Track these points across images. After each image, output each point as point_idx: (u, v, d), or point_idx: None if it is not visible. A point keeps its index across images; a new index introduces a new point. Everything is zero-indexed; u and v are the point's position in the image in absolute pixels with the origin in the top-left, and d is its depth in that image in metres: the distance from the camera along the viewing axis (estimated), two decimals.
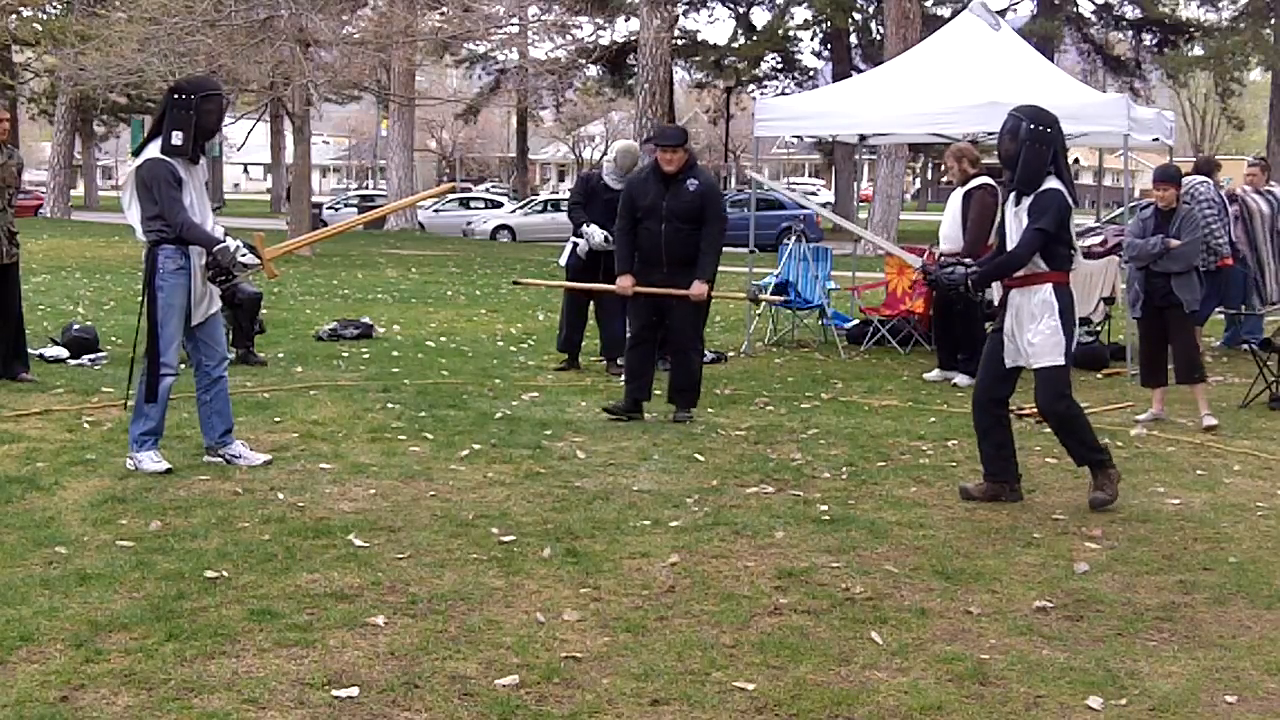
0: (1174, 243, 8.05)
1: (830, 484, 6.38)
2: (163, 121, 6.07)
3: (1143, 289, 8.26)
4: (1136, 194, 43.30)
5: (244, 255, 6.09)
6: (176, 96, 6.07)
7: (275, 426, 7.44)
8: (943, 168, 10.08)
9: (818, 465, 6.78)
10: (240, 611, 4.28)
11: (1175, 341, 8.28)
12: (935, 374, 9.91)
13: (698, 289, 7.89)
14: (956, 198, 9.84)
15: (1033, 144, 5.70)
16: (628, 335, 10.39)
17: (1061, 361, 5.78)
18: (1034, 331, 5.80)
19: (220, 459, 6.35)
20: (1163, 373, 8.33)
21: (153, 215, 6.05)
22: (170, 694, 3.62)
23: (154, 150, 6.06)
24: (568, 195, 13.45)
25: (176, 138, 5.99)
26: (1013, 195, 5.89)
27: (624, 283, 8.06)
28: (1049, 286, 5.80)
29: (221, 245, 6.06)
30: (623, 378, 8.32)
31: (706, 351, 10.83)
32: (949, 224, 9.87)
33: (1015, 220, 5.83)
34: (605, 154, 10.80)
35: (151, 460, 6.20)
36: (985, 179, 10.00)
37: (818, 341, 12.02)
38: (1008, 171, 5.84)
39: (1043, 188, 5.74)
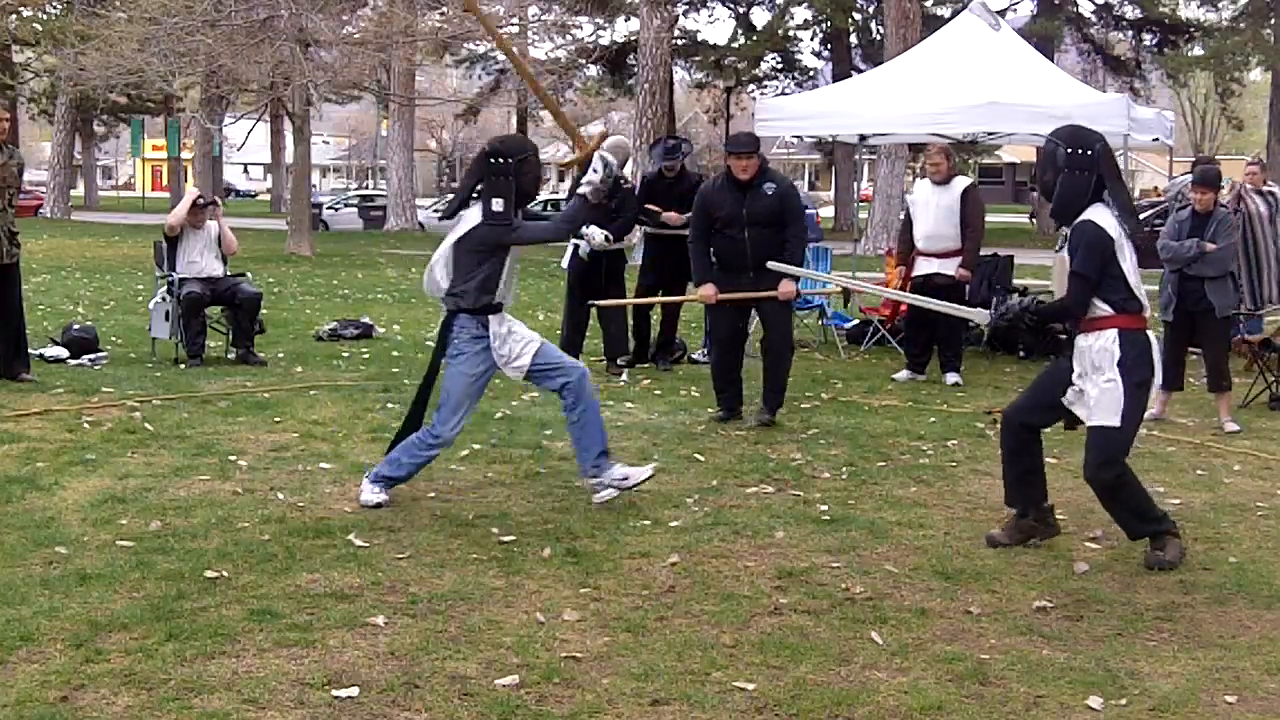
0: (1210, 246, 8.04)
1: (830, 484, 6.38)
2: (479, 184, 5.72)
3: (1175, 292, 8.23)
4: (1136, 194, 43.29)
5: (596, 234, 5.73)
6: (493, 162, 5.66)
7: (275, 426, 7.44)
8: (926, 165, 9.97)
9: (818, 465, 6.78)
10: (240, 611, 4.28)
11: (1208, 349, 8.28)
12: (904, 374, 9.87)
13: (787, 287, 7.79)
14: (940, 195, 9.75)
15: (1071, 171, 4.99)
16: (660, 339, 10.38)
17: (1116, 423, 4.90)
18: (1092, 384, 4.99)
19: (611, 490, 5.77)
20: (1181, 377, 8.34)
21: (465, 281, 5.68)
22: (170, 694, 3.62)
23: (475, 217, 5.69)
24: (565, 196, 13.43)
25: (497, 205, 5.62)
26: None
27: (706, 292, 7.94)
28: (1112, 333, 4.97)
29: (591, 189, 5.87)
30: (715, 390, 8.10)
31: (706, 352, 10.86)
32: (936, 222, 9.74)
33: (1060, 263, 5.27)
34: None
35: (372, 491, 5.76)
36: (969, 178, 10.03)
37: (818, 341, 12.01)
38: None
39: (1080, 219, 5.02)
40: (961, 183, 9.84)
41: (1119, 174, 5.12)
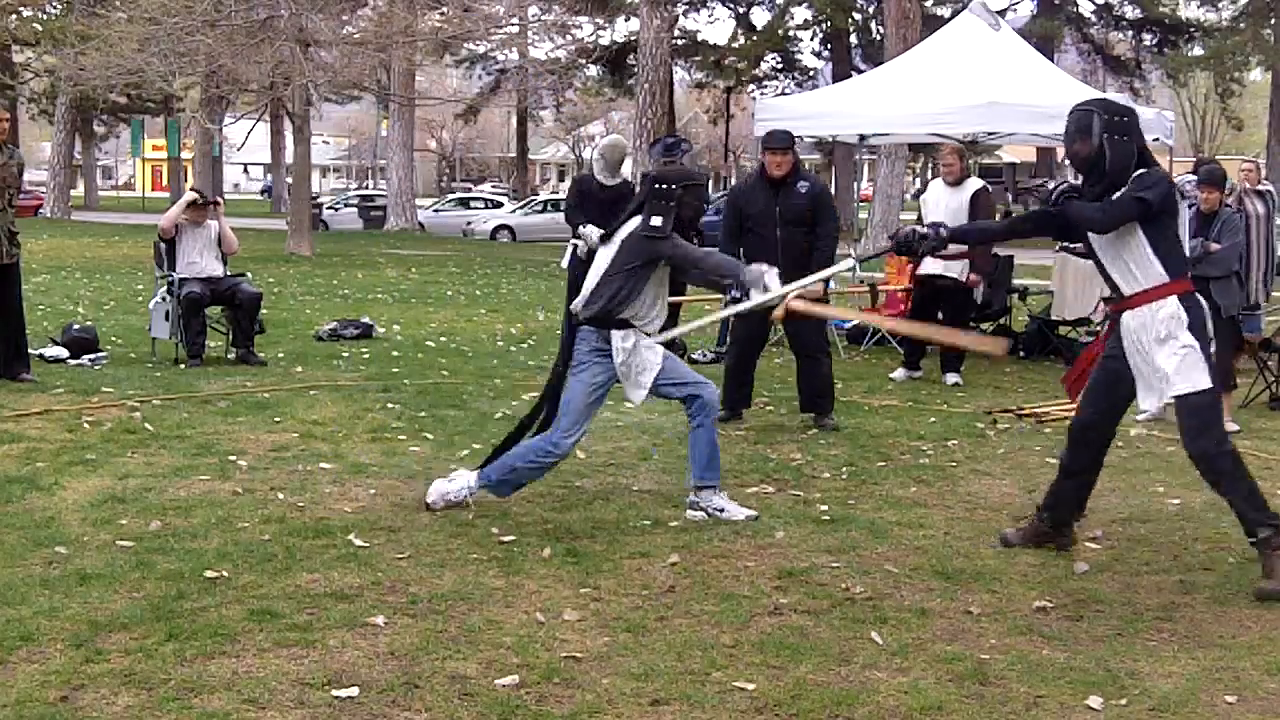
0: (1214, 246, 8.02)
1: (830, 484, 6.38)
2: (643, 204, 5.75)
3: None
4: None
5: (773, 279, 5.63)
6: (658, 188, 5.71)
7: (275, 426, 7.44)
8: (940, 165, 9.94)
9: (818, 465, 6.78)
10: (240, 611, 4.28)
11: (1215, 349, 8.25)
12: (900, 373, 9.87)
13: (814, 286, 7.74)
14: (951, 196, 9.74)
15: (1114, 135, 4.72)
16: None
17: (1206, 384, 4.69)
18: (1165, 355, 4.72)
19: (700, 513, 5.68)
20: None
21: (601, 289, 5.66)
22: (170, 694, 3.62)
23: (630, 229, 5.72)
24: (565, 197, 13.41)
25: (656, 220, 5.64)
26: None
27: None
28: (1173, 299, 4.74)
29: (743, 273, 5.68)
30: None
31: (706, 351, 10.87)
32: (946, 222, 9.73)
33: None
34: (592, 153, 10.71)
35: (444, 495, 5.72)
36: (980, 181, 10.01)
37: None
38: (1089, 177, 4.84)
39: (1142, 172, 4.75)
40: (973, 185, 9.83)
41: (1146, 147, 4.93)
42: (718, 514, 5.66)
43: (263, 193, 51.97)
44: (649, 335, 5.73)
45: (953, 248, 9.53)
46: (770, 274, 5.62)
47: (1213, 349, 4.82)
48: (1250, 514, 4.75)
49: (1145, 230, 4.74)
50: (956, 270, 9.64)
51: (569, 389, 5.75)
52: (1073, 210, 4.86)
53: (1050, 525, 5.23)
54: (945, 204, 9.73)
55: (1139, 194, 4.67)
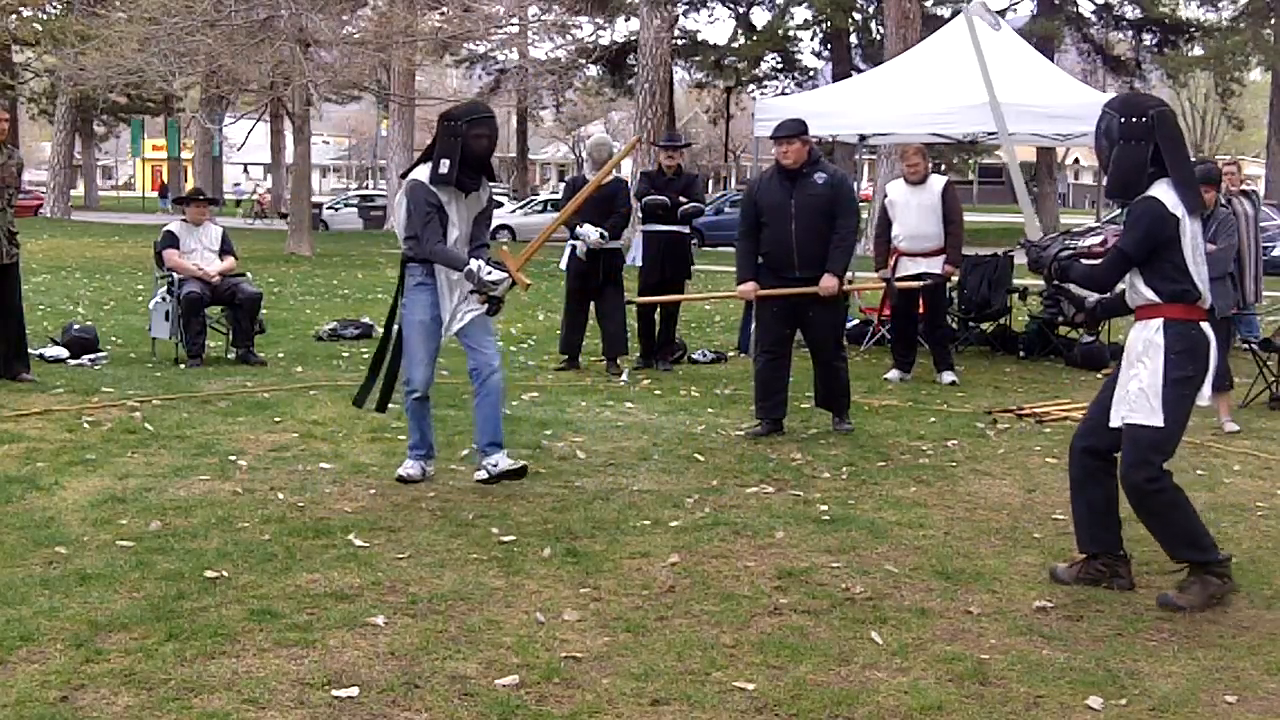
0: (1210, 247, 8.00)
1: (830, 484, 6.38)
2: (434, 147, 5.92)
3: None
4: None
5: (489, 274, 5.84)
6: (446, 124, 5.87)
7: (275, 426, 7.44)
8: (904, 166, 9.82)
9: (818, 465, 6.78)
10: (240, 611, 4.28)
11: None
12: (894, 374, 9.88)
13: (828, 282, 7.39)
14: (922, 194, 9.73)
15: (1125, 142, 4.55)
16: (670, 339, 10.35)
17: (1155, 422, 4.50)
18: (1131, 377, 4.59)
19: (483, 472, 6.05)
20: None
21: (409, 235, 5.99)
22: (170, 694, 3.62)
23: (420, 173, 5.94)
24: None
25: (443, 166, 5.81)
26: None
27: (745, 289, 7.57)
28: (1158, 323, 4.55)
29: (467, 268, 5.86)
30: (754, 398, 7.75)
31: (706, 351, 10.87)
32: (919, 222, 9.69)
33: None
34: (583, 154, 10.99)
35: (405, 467, 6.24)
36: (944, 176, 10.07)
37: None
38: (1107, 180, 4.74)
39: (1142, 195, 4.55)
40: (938, 181, 9.86)
41: (1180, 143, 4.63)
42: (491, 468, 5.98)
43: (237, 204, 51.19)
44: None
45: (930, 245, 9.58)
46: (483, 268, 5.88)
47: (1202, 381, 4.62)
48: (1171, 544, 4.65)
49: (1140, 267, 4.63)
50: (935, 267, 9.67)
51: (404, 326, 6.16)
52: (1075, 276, 4.82)
53: (1102, 564, 4.90)
54: (915, 203, 9.72)
55: (1118, 244, 4.60)
